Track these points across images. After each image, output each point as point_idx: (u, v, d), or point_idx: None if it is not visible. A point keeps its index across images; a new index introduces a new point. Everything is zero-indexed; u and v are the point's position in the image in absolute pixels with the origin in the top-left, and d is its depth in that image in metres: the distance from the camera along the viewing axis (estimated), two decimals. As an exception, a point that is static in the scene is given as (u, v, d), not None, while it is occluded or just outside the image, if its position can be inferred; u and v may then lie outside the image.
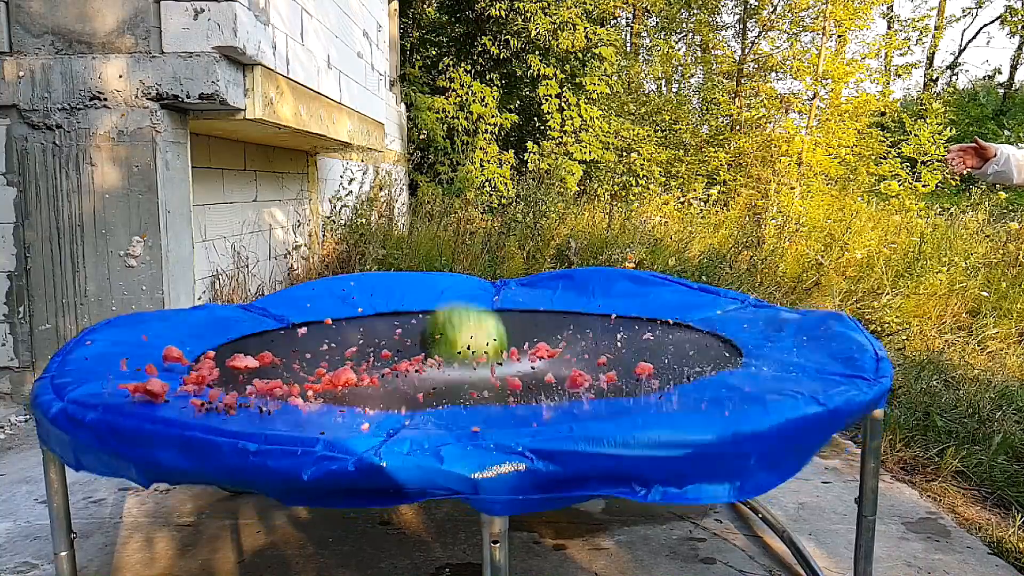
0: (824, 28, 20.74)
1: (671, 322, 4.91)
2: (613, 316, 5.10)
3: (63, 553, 3.33)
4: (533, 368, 4.00)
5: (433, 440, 2.41)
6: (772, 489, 2.67)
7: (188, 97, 6.35)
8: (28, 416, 6.31)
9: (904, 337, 8.91)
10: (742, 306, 4.96)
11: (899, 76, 31.02)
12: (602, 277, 5.83)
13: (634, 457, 2.43)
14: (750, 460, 2.56)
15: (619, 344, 4.51)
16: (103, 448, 2.74)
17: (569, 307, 5.50)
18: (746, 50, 23.65)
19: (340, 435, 2.46)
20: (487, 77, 19.88)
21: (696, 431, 2.51)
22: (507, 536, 2.45)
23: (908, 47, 26.85)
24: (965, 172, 4.77)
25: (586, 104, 20.51)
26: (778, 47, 23.07)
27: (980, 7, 40.29)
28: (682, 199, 18.53)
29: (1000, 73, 39.37)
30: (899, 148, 21.22)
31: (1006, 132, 30.18)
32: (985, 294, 9.93)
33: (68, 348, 3.63)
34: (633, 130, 21.61)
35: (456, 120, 18.93)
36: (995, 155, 4.59)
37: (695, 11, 24.78)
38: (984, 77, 39.43)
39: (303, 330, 4.76)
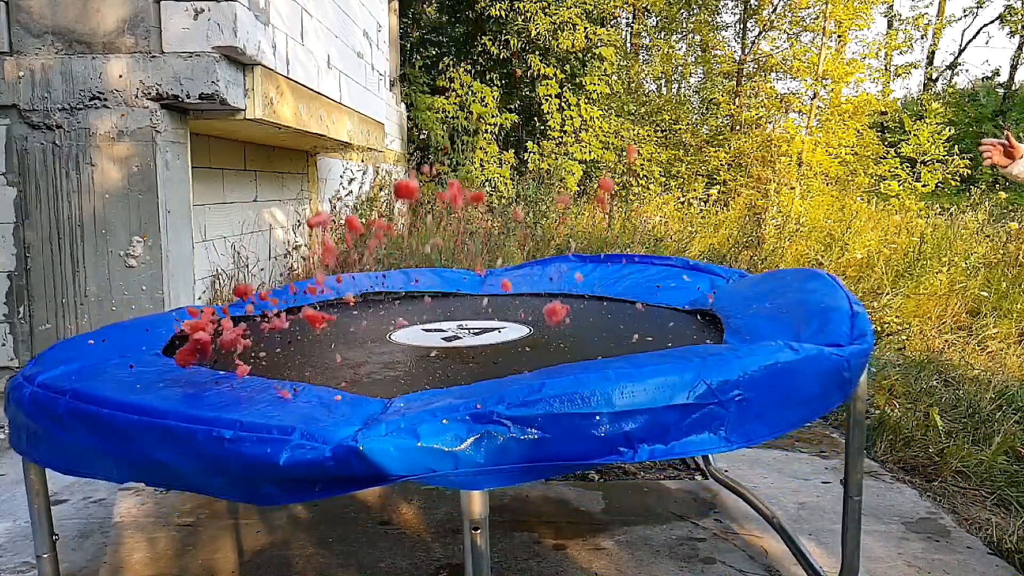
0: (824, 28, 20.73)
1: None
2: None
3: (45, 555, 3.33)
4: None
5: (409, 419, 2.39)
6: (763, 441, 2.66)
7: (188, 97, 6.34)
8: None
9: (904, 337, 8.91)
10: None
11: (899, 76, 31.03)
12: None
13: (612, 413, 2.43)
14: (730, 408, 2.56)
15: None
16: (75, 438, 2.76)
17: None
18: (746, 50, 23.62)
19: (317, 424, 2.46)
20: (487, 77, 19.89)
21: (671, 382, 2.51)
22: (487, 522, 2.44)
23: (909, 46, 26.86)
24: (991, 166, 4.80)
25: (586, 104, 20.51)
26: (778, 47, 23.06)
27: (980, 7, 40.27)
28: (682, 199, 18.55)
29: (999, 74, 39.29)
30: (899, 148, 21.22)
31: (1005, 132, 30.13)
32: (985, 294, 9.94)
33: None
34: (633, 130, 21.60)
35: (456, 120, 18.92)
36: (1022, 156, 4.62)
37: (695, 11, 24.78)
38: (984, 77, 39.37)
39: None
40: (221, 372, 3.10)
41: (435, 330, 4.48)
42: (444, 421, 2.36)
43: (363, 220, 11.52)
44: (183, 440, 2.49)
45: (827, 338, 3.02)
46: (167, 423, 2.53)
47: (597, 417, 2.42)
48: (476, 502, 2.41)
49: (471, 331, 4.41)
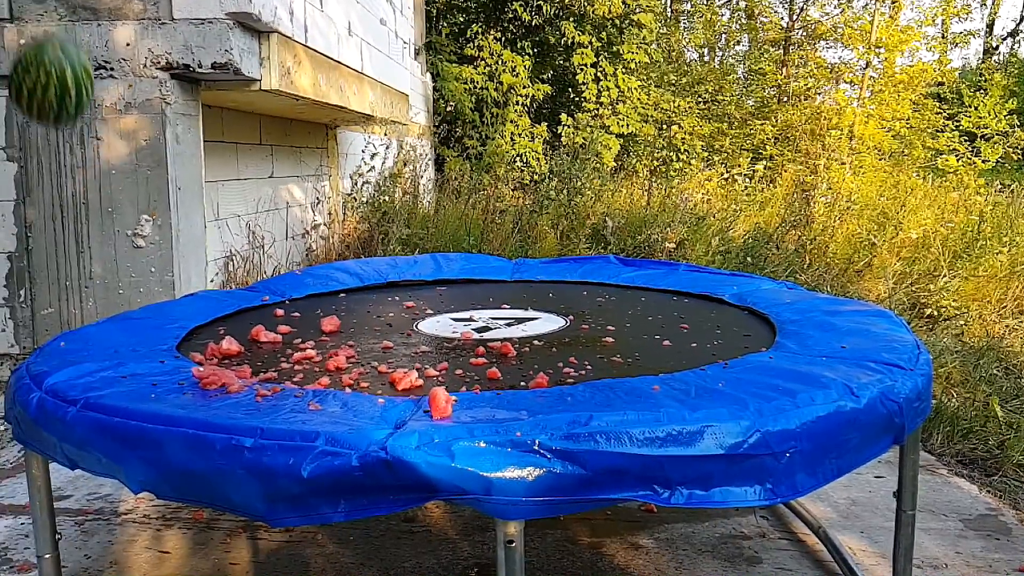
0: (877, -8, 20.62)
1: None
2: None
3: (47, 556, 3.32)
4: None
5: (444, 433, 2.38)
6: (808, 493, 2.63)
7: (200, 67, 6.32)
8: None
9: (962, 322, 8.85)
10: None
11: (957, 44, 30.84)
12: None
13: (658, 457, 2.41)
14: (782, 460, 2.53)
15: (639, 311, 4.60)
16: (87, 447, 2.76)
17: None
18: (794, 16, 23.51)
19: (342, 428, 2.45)
20: (518, 45, 19.77)
21: (723, 429, 2.49)
22: (523, 536, 2.43)
23: (968, 12, 26.66)
24: None
25: (623, 74, 20.40)
26: (828, 13, 22.94)
27: (1044, -31, 39.97)
28: (726, 175, 18.45)
29: (1065, 41, 39.04)
30: (957, 121, 21.08)
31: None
32: (1049, 276, 9.87)
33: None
34: (674, 102, 21.50)
35: (485, 91, 18.83)
36: None
37: (740, -26, 24.73)
38: (1049, 45, 39.14)
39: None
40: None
41: (465, 320, 4.48)
42: (481, 444, 2.35)
43: (385, 198, 11.50)
44: (200, 450, 2.49)
45: (887, 380, 2.97)
46: (183, 431, 2.54)
47: (641, 458, 2.40)
48: (511, 522, 2.40)
49: (504, 321, 4.40)
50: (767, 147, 21.00)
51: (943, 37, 28.98)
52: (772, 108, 22.31)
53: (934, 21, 24.60)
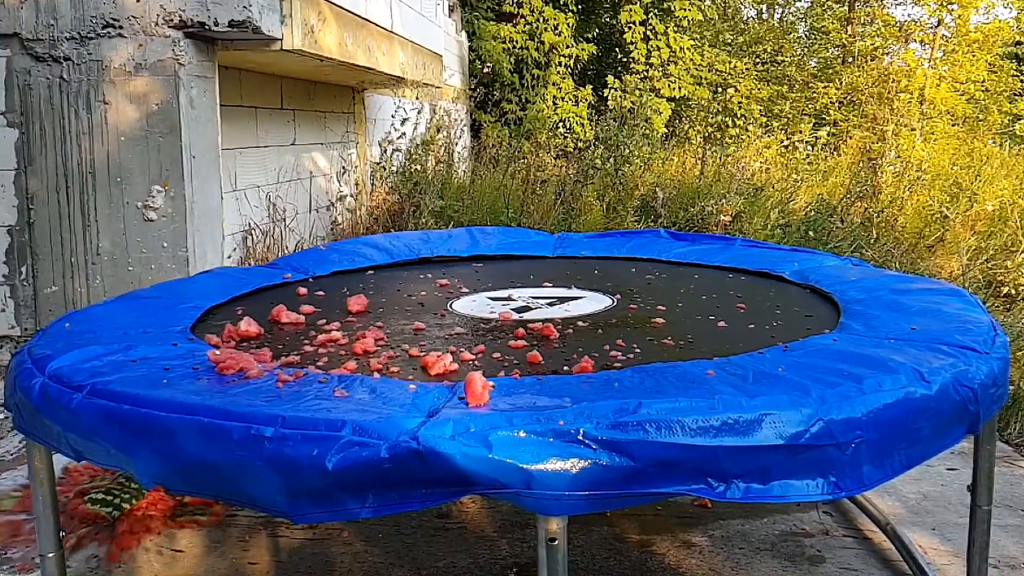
0: (951, -57, 20.52)
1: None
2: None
3: (51, 555, 3.30)
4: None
5: (480, 422, 2.35)
6: (875, 487, 2.62)
7: (216, 24, 6.28)
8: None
9: (1043, 301, 8.79)
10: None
11: (1038, -1, 30.66)
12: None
13: (713, 447, 2.37)
14: (847, 451, 2.50)
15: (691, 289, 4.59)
16: (94, 437, 2.75)
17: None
18: (860, -31, 23.44)
19: (371, 416, 2.42)
20: (561, 1, 19.73)
21: (783, 418, 2.45)
22: (566, 533, 2.40)
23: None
24: None
25: (675, 33, 20.34)
26: (897, -34, 22.86)
27: None
28: (786, 142, 18.41)
29: None
30: (1037, 83, 20.96)
31: None
32: None
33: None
34: (729, 63, 21.45)
35: (525, 51, 18.79)
36: None
37: (802, -76, 24.64)
38: None
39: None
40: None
41: (503, 299, 4.46)
42: (521, 434, 2.32)
43: (417, 167, 11.49)
44: (217, 440, 2.47)
45: (961, 364, 2.93)
46: (198, 420, 2.52)
47: (694, 449, 2.36)
48: (553, 518, 2.37)
49: (545, 301, 4.38)
50: (830, 112, 20.96)
51: (1022, -9, 28.81)
52: (836, 70, 22.26)
53: (1012, -26, 24.42)
